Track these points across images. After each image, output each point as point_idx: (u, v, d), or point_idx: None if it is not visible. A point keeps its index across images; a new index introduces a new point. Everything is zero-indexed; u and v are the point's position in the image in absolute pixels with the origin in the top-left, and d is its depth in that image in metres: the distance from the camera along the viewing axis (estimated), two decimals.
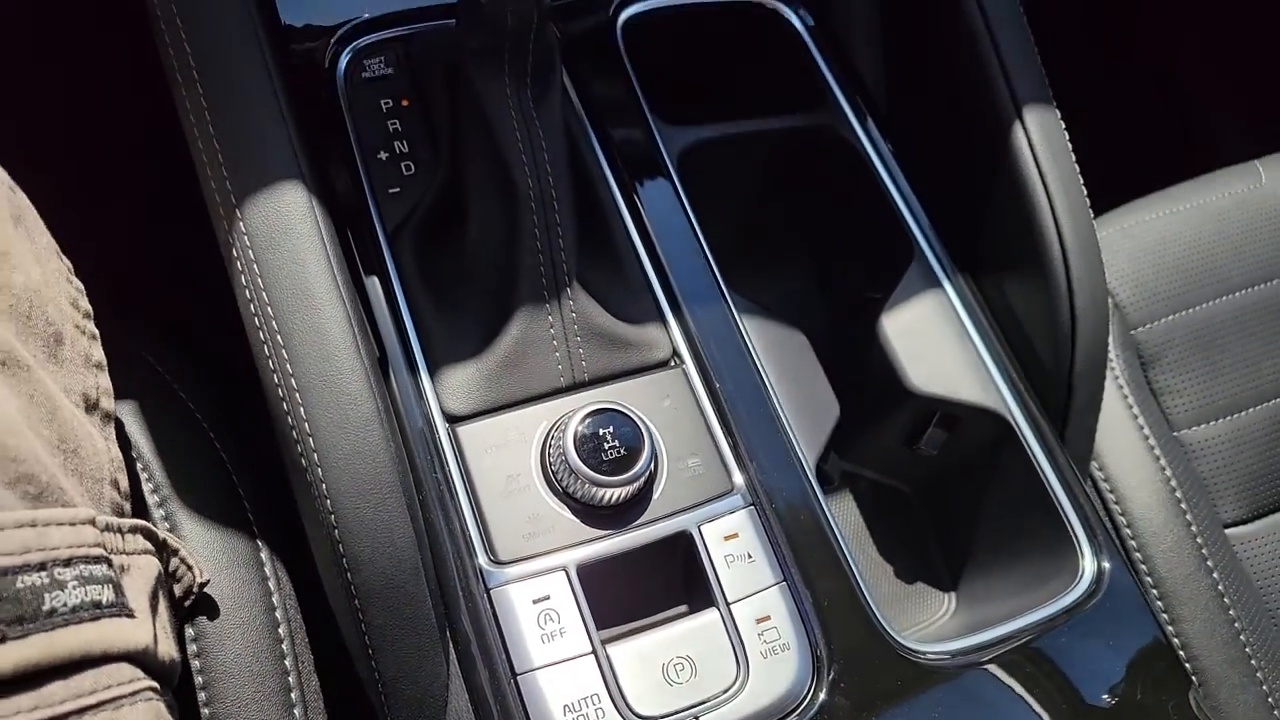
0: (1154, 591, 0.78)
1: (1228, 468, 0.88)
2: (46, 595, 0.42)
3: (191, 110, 0.59)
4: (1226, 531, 0.86)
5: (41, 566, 0.42)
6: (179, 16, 0.58)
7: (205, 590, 0.60)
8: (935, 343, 0.75)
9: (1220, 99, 1.72)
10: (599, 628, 0.59)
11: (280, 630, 0.61)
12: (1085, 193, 0.72)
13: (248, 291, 0.56)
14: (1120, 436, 0.82)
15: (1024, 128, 0.71)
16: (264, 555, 0.63)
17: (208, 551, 0.61)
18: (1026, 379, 0.74)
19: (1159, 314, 0.90)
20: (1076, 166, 0.72)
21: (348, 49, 0.72)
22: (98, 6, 1.12)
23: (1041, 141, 0.71)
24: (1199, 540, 0.80)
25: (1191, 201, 0.97)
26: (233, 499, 0.65)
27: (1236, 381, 0.90)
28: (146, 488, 0.63)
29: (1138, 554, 0.79)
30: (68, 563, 0.44)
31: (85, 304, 0.58)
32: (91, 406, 0.55)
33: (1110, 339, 0.86)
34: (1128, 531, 0.79)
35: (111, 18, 1.11)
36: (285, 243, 0.56)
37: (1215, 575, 0.79)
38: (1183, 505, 0.81)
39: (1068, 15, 1.75)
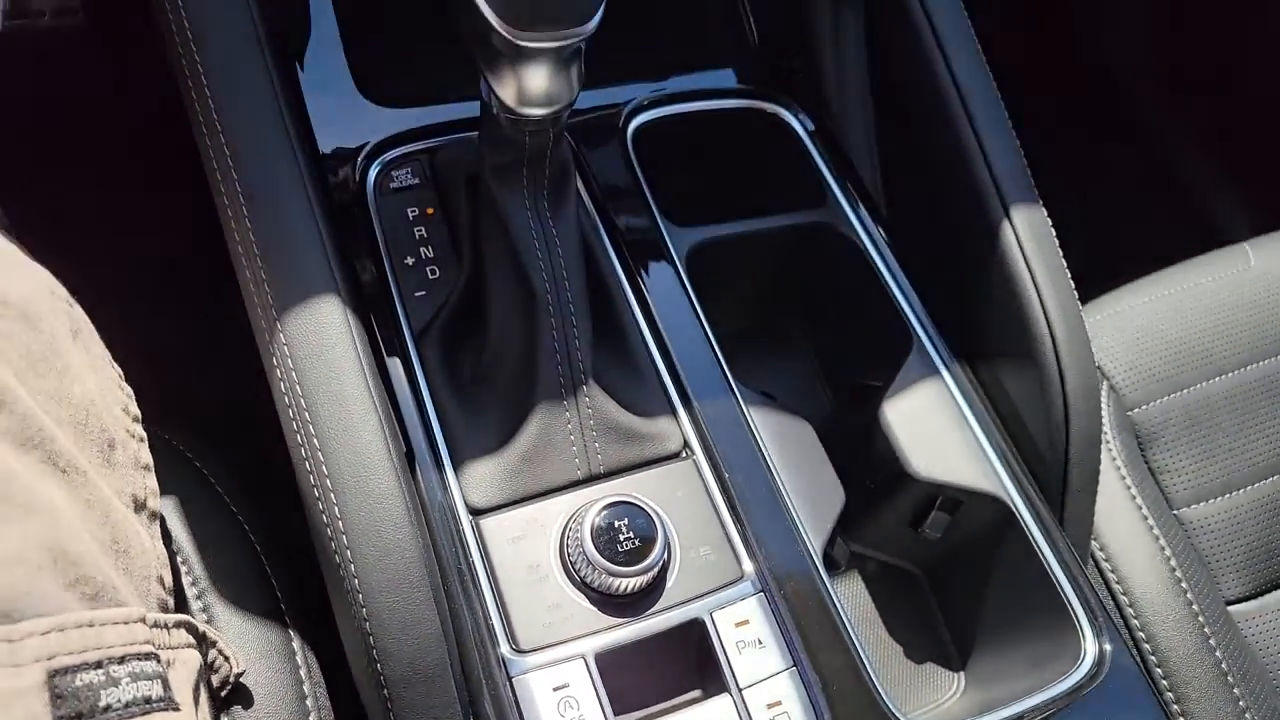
0: (1158, 671, 0.80)
1: (1228, 545, 0.90)
2: (103, 692, 0.45)
3: (237, 231, 0.63)
4: (1229, 609, 0.88)
5: (98, 665, 0.46)
6: (227, 148, 0.63)
7: (241, 680, 0.63)
8: (935, 429, 0.78)
9: (1210, 178, 1.77)
10: (616, 713, 0.62)
11: (311, 718, 0.64)
12: (1073, 285, 0.76)
13: (287, 398, 0.60)
14: (1120, 516, 0.84)
15: (1012, 226, 0.75)
16: (296, 644, 0.66)
17: (243, 642, 0.65)
18: (1024, 464, 0.77)
19: (1154, 395, 0.93)
20: (1063, 261, 0.76)
21: (376, 162, 0.78)
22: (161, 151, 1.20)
23: (1029, 239, 0.75)
24: (1201, 619, 0.82)
25: (1182, 284, 1.01)
26: (266, 590, 0.68)
27: (1232, 460, 0.93)
28: (186, 580, 0.66)
29: (1140, 633, 0.81)
30: (121, 660, 0.47)
31: (134, 408, 0.62)
32: (140, 506, 0.58)
33: (1107, 420, 0.89)
34: (1130, 611, 0.81)
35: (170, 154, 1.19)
36: (323, 354, 0.60)
37: (1219, 654, 0.81)
38: (1183, 584, 0.83)
39: (1051, 99, 1.82)
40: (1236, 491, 0.91)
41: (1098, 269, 1.04)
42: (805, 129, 0.91)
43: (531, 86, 0.62)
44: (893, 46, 0.86)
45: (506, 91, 0.62)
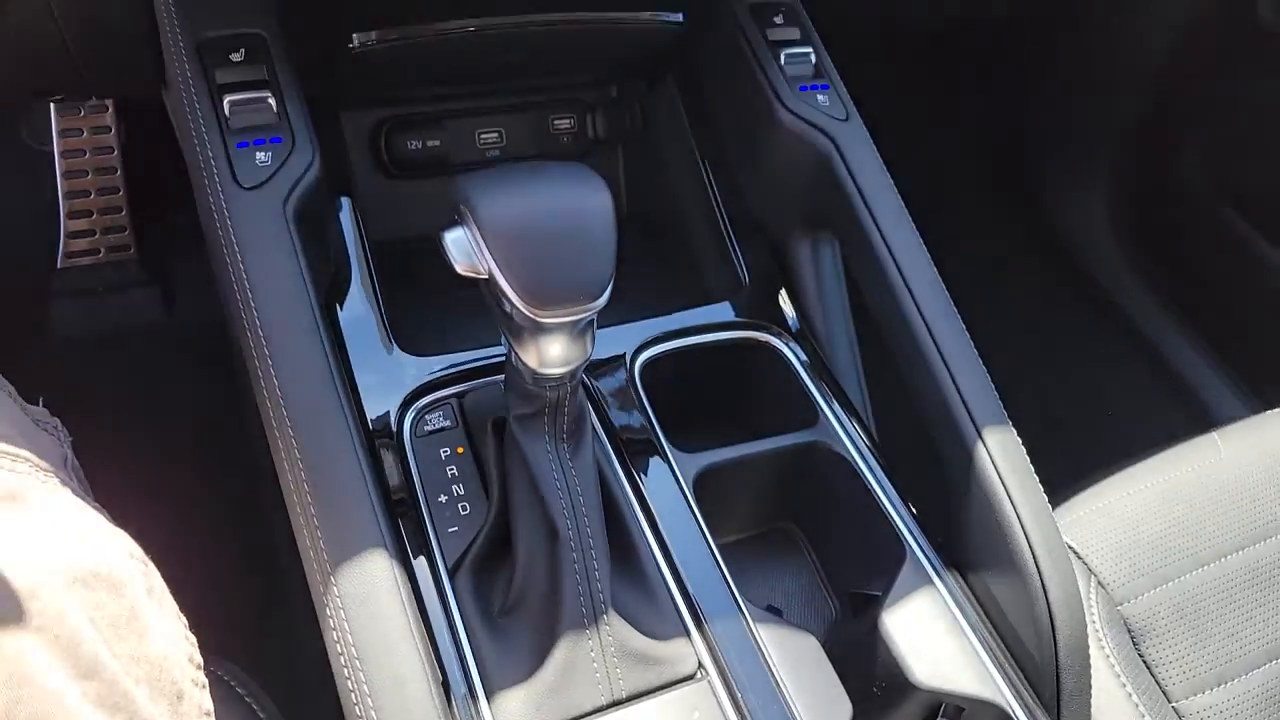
0: None
1: None
2: None
3: (294, 488, 0.72)
4: None
5: None
6: (289, 418, 0.72)
7: None
8: (933, 637, 0.83)
9: (1197, 353, 1.88)
10: None
11: None
12: (1047, 500, 0.83)
13: (339, 645, 0.66)
14: (1118, 714, 0.88)
15: (985, 448, 0.83)
16: None
17: None
18: (1020, 670, 0.82)
19: (1142, 589, 0.98)
20: (1036, 480, 0.84)
21: (411, 409, 0.87)
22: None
23: (1003, 459, 0.83)
24: None
25: (1160, 477, 1.07)
26: None
27: (1225, 649, 0.97)
28: None
29: None
30: None
31: (198, 656, 0.69)
32: None
33: (1097, 618, 0.94)
34: None
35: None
36: (371, 602, 0.67)
37: None
38: None
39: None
40: (1232, 681, 0.95)
41: (1081, 462, 1.12)
42: (796, 355, 1.00)
43: (550, 353, 0.72)
44: (864, 281, 0.97)
45: (529, 357, 0.72)
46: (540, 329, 0.70)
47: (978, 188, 2.16)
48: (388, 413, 0.86)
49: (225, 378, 1.41)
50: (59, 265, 1.67)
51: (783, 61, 0.99)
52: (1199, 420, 1.81)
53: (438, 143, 1.12)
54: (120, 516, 0.76)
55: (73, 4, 0.91)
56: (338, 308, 0.91)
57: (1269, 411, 1.19)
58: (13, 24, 0.94)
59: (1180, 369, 1.88)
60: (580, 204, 0.70)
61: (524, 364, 0.73)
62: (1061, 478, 1.04)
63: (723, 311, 1.02)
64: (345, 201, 0.97)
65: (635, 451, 0.89)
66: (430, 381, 0.89)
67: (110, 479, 0.91)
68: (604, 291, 0.70)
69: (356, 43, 0.93)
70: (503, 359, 0.78)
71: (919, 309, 0.89)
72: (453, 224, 0.70)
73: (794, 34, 1.02)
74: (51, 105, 1.53)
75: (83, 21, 0.94)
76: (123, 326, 1.71)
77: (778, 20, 1.02)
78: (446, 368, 0.90)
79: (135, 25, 0.91)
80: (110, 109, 1.56)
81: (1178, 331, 1.92)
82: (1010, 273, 2.04)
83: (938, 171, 2.11)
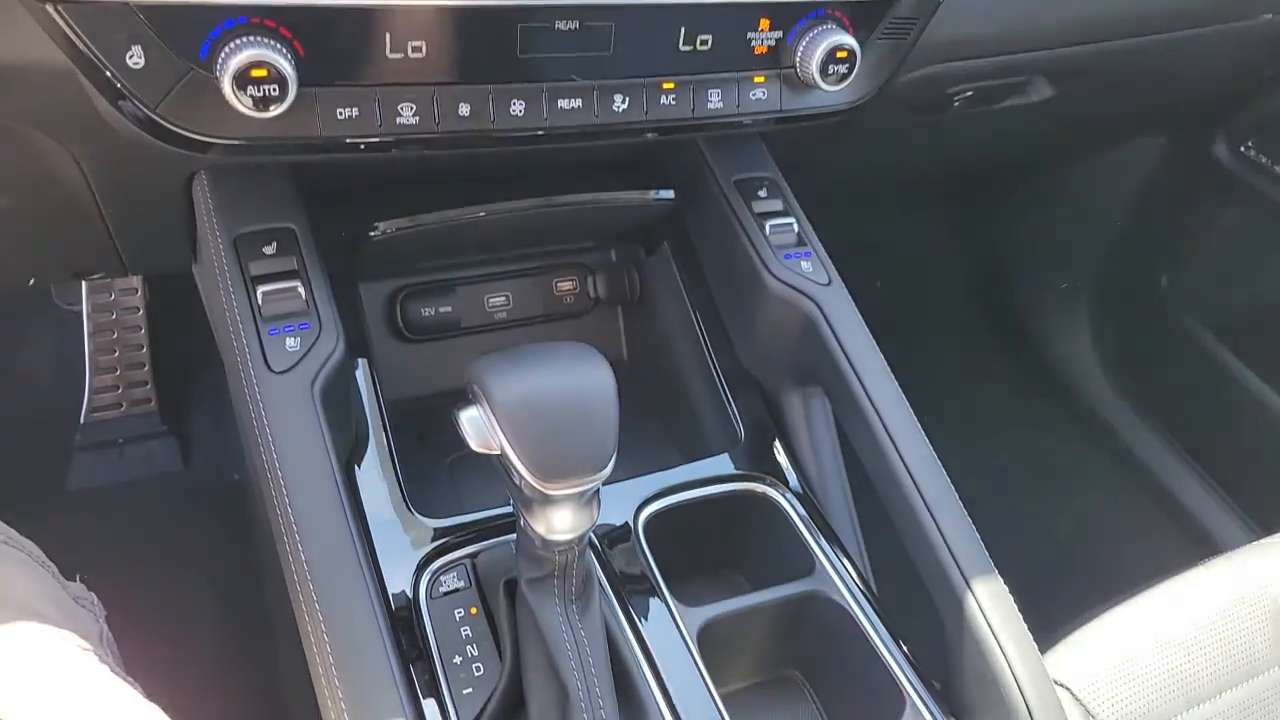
0: None
1: None
2: None
3: (317, 652, 0.76)
4: None
5: None
6: (316, 593, 0.77)
7: None
8: None
9: (1194, 479, 1.92)
10: None
11: None
12: (1037, 649, 0.87)
13: None
14: None
15: (975, 598, 0.87)
16: None
17: None
18: None
19: None
20: (1025, 627, 0.88)
21: (427, 571, 0.91)
22: None
23: (993, 610, 0.87)
24: None
25: (1153, 613, 1.10)
26: None
27: None
28: None
29: None
30: None
31: None
32: None
33: None
34: None
35: None
36: None
37: None
38: None
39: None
40: None
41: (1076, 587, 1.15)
42: (792, 505, 1.05)
43: (558, 522, 0.77)
44: (852, 433, 1.03)
45: (539, 526, 0.77)
46: (549, 500, 0.76)
47: (963, 322, 2.25)
48: (405, 576, 0.90)
49: (239, 528, 1.46)
50: (82, 420, 1.75)
51: (768, 232, 1.08)
52: (1199, 544, 1.85)
53: (450, 308, 1.20)
54: (147, 685, 0.80)
55: (117, 201, 1.00)
56: (356, 468, 0.97)
57: (1267, 539, 1.23)
58: (59, 217, 1.03)
59: (1178, 495, 1.93)
60: (584, 384, 0.77)
61: (534, 531, 0.78)
62: (1063, 606, 1.08)
63: (721, 464, 1.08)
64: (362, 363, 1.03)
65: (640, 607, 0.93)
66: (444, 544, 0.94)
67: (135, 642, 0.95)
68: (607, 464, 0.75)
69: (379, 230, 1.02)
70: (512, 514, 0.83)
71: (904, 462, 0.94)
72: (467, 403, 0.77)
73: (777, 205, 1.11)
74: None
75: (126, 215, 1.03)
76: (140, 476, 1.77)
77: (761, 194, 1.11)
78: (459, 525, 0.95)
79: (176, 219, 1.00)
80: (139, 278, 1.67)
81: (1172, 455, 1.98)
82: (1005, 405, 2.11)
83: (925, 309, 2.21)
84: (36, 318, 1.82)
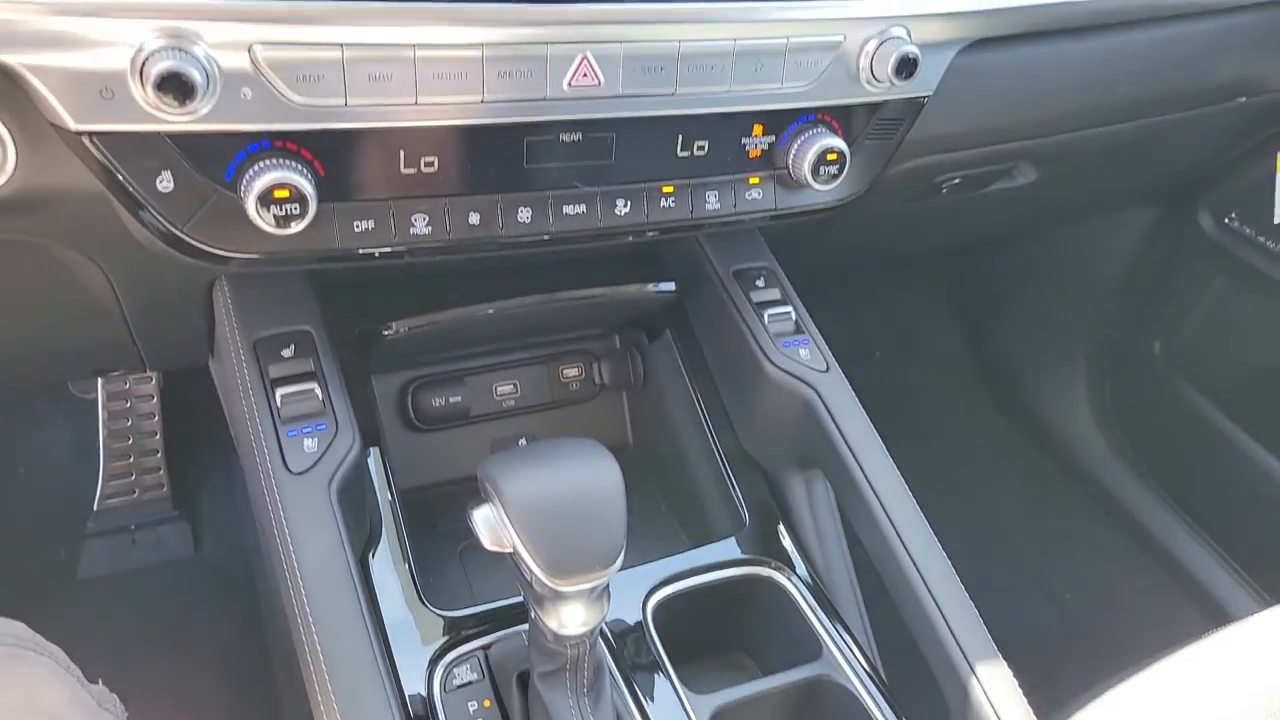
0: None
1: None
2: None
3: None
4: None
5: None
6: (332, 690, 0.79)
7: None
8: None
9: (1200, 545, 1.93)
10: None
11: None
12: None
13: None
14: None
15: (980, 685, 0.89)
16: None
17: None
18: None
19: None
20: (1026, 703, 0.89)
21: (440, 665, 0.93)
22: None
23: (999, 695, 0.88)
24: None
25: (1159, 691, 1.11)
26: None
27: None
28: None
29: None
30: None
31: None
32: None
33: None
34: None
35: None
36: None
37: None
38: None
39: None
40: None
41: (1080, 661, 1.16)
42: (798, 589, 1.07)
43: (570, 617, 0.79)
44: (853, 516, 1.05)
45: (550, 621, 0.80)
46: (560, 596, 0.78)
47: (961, 388, 2.28)
48: (419, 672, 0.92)
49: (250, 615, 1.47)
50: (96, 507, 1.77)
51: (766, 321, 1.11)
52: (1203, 608, 1.85)
53: (459, 398, 1.23)
54: None
55: (140, 306, 1.04)
56: (371, 558, 0.99)
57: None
58: (83, 322, 1.07)
59: (1181, 560, 1.93)
60: (594, 482, 0.80)
61: (546, 626, 0.80)
62: (1077, 674, 1.08)
63: (727, 548, 1.10)
64: (375, 452, 1.06)
65: (651, 696, 0.94)
66: (456, 638, 0.95)
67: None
68: (616, 560, 0.78)
69: (393, 330, 1.05)
70: (523, 602, 0.85)
71: (905, 547, 0.97)
72: (480, 501, 0.79)
73: (775, 294, 1.15)
74: None
75: (148, 318, 1.07)
76: (151, 561, 1.79)
77: (759, 283, 1.15)
78: (472, 615, 0.97)
79: (195, 320, 1.04)
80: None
81: (1171, 516, 1.99)
82: (1005, 470, 2.13)
83: (923, 378, 2.24)
84: (52, 406, 1.86)
